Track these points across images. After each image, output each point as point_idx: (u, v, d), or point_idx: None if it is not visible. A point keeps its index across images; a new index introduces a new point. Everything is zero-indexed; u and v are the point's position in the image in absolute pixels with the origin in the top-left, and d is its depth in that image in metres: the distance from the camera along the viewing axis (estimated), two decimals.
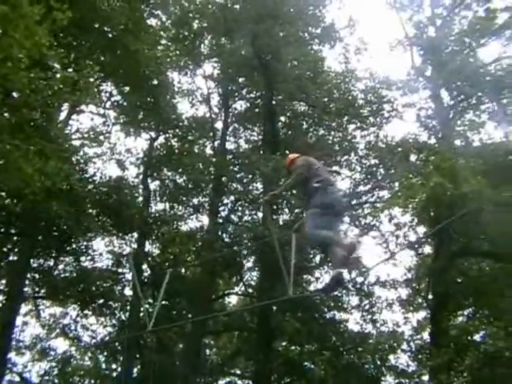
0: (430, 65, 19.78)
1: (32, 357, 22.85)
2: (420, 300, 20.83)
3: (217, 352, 26.67)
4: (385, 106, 21.33)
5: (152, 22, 19.82)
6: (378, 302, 20.83)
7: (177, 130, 22.39)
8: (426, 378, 18.45)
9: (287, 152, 18.06)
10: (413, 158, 20.24)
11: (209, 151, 23.15)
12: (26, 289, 19.56)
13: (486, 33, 18.47)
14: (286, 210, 20.81)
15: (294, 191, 16.20)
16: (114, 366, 22.99)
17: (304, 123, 23.32)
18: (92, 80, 13.57)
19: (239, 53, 21.60)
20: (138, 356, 21.78)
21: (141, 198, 21.86)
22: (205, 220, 22.29)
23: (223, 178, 21.23)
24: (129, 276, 21.29)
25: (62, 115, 19.01)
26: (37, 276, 20.04)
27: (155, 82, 18.45)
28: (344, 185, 22.01)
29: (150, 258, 22.41)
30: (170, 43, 21.36)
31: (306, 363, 20.81)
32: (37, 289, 20.50)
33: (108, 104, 20.72)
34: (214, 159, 21.48)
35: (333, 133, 22.68)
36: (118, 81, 18.44)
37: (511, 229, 13.91)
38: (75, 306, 21.16)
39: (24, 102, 11.14)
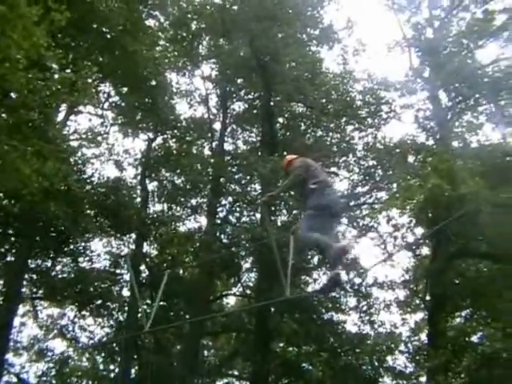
0: (427, 66, 19.79)
1: (29, 358, 22.83)
2: (418, 301, 20.84)
3: (215, 353, 26.66)
4: (383, 107, 21.35)
5: (150, 22, 19.88)
6: (376, 304, 20.85)
7: (175, 131, 22.40)
8: (423, 379, 18.49)
9: (285, 153, 18.08)
10: (411, 159, 20.27)
11: (207, 152, 23.18)
12: (23, 289, 19.54)
13: (484, 34, 18.50)
14: (284, 211, 20.84)
15: (292, 192, 16.22)
16: (111, 367, 23.03)
17: (302, 124, 23.32)
18: (90, 81, 13.58)
19: (237, 54, 21.60)
20: (135, 357, 21.75)
21: (139, 199, 21.88)
22: (203, 221, 22.31)
23: (221, 179, 21.22)
24: (127, 277, 21.31)
25: (60, 116, 19.01)
26: (34, 277, 20.02)
27: (153, 82, 18.44)
28: (342, 186, 22.06)
29: (147, 259, 22.39)
30: (168, 44, 21.35)
31: (303, 364, 20.86)
32: (34, 289, 20.48)
33: (106, 105, 20.76)
34: (212, 160, 21.47)
35: (331, 134, 22.69)
36: (116, 81, 18.45)
37: (509, 230, 13.93)
38: (73, 307, 21.15)
39: (22, 102, 11.13)
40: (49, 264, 20.13)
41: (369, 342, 19.80)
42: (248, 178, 21.40)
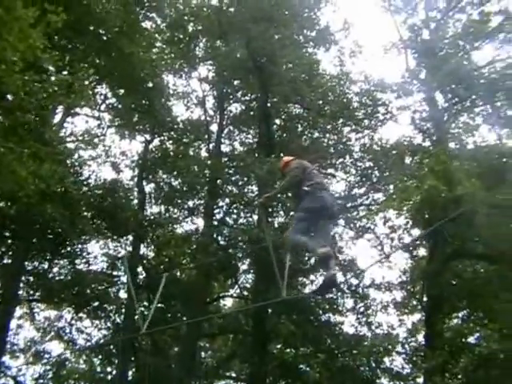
0: (424, 68, 19.81)
1: (26, 360, 22.75)
2: (415, 302, 20.88)
3: (212, 355, 26.64)
4: (379, 108, 21.37)
5: (147, 24, 19.87)
6: (373, 305, 20.88)
7: (172, 133, 22.39)
8: (420, 380, 18.54)
9: (282, 155, 18.09)
10: (407, 160, 20.29)
11: (204, 154, 23.19)
12: (20, 292, 19.53)
13: (480, 36, 18.55)
14: (282, 213, 20.84)
15: (289, 194, 16.23)
16: (108, 369, 22.97)
17: (299, 126, 23.32)
18: (87, 83, 13.55)
19: (234, 55, 21.60)
20: (133, 359, 21.73)
21: (136, 201, 21.88)
22: (200, 223, 22.31)
23: (218, 181, 21.22)
24: (124, 279, 21.32)
25: (57, 118, 19.03)
26: (31, 279, 20.01)
27: (150, 84, 18.44)
28: (339, 187, 22.08)
29: (144, 261, 22.39)
30: (164, 46, 21.37)
31: (301, 366, 20.88)
32: (31, 292, 20.46)
33: (103, 107, 20.70)
34: (209, 162, 21.48)
35: (328, 135, 22.71)
36: (112, 83, 18.42)
37: (505, 231, 14.00)
38: (70, 309, 21.14)
39: (18, 104, 11.11)
40: (46, 266, 20.12)
41: (366, 343, 19.81)
42: (245, 179, 21.40)
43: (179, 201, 22.18)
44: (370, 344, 19.51)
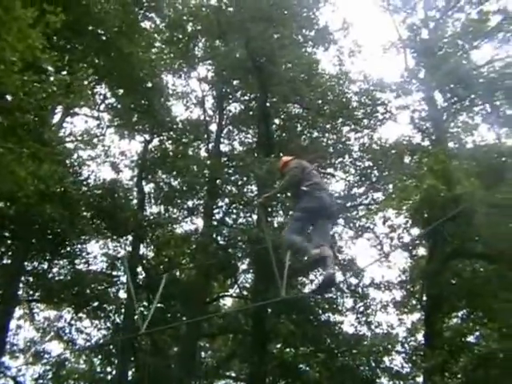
0: (423, 67, 19.83)
1: (26, 360, 22.74)
2: (414, 302, 20.89)
3: (212, 355, 26.63)
4: (379, 108, 21.36)
5: (146, 24, 19.89)
6: (373, 304, 20.87)
7: (171, 133, 22.39)
8: (420, 379, 18.56)
9: (281, 154, 18.09)
10: (407, 160, 20.30)
11: (203, 154, 23.19)
12: (20, 292, 19.53)
13: (479, 35, 18.58)
14: (281, 212, 20.84)
15: (289, 193, 16.23)
16: (108, 369, 22.93)
17: (298, 125, 23.34)
18: (86, 83, 13.54)
19: (233, 55, 21.60)
20: (132, 359, 21.73)
21: (135, 201, 21.89)
22: (199, 223, 22.32)
23: (218, 181, 21.22)
24: (123, 279, 21.32)
25: (56, 118, 19.04)
26: (31, 279, 20.01)
27: (149, 84, 18.45)
28: (338, 187, 22.08)
29: (144, 261, 22.39)
30: (164, 46, 21.40)
31: (300, 365, 20.88)
32: (31, 292, 20.45)
33: (102, 107, 20.73)
34: (208, 162, 21.48)
35: (327, 135, 22.70)
36: (112, 83, 18.42)
37: (504, 230, 13.99)
38: (70, 309, 21.13)
39: (17, 105, 11.11)
40: (45, 266, 20.11)
41: (366, 342, 19.82)
42: (244, 179, 21.39)
43: (179, 201, 22.18)
44: (370, 343, 19.52)
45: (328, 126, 22.35)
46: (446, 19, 20.42)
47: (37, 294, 20.46)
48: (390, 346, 19.50)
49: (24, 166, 10.86)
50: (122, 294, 21.65)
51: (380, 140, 21.28)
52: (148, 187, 22.95)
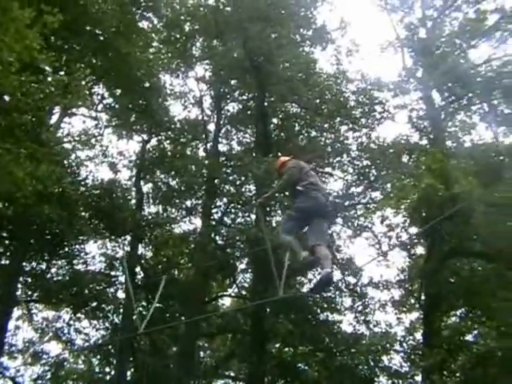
0: (421, 66, 19.86)
1: (25, 361, 22.70)
2: (413, 301, 20.89)
3: (211, 354, 26.63)
4: (376, 107, 21.39)
5: (143, 24, 19.89)
6: (371, 303, 20.88)
7: (169, 133, 22.39)
8: (418, 378, 18.53)
9: (279, 154, 18.11)
10: (405, 159, 20.33)
11: (201, 153, 23.20)
12: (18, 292, 19.50)
13: (477, 34, 18.62)
14: (279, 212, 20.84)
15: (287, 193, 16.24)
16: (107, 370, 22.97)
17: (296, 125, 23.35)
18: (83, 83, 13.51)
19: (231, 55, 21.60)
20: (131, 359, 21.74)
21: (133, 201, 21.87)
22: (198, 222, 22.31)
23: (216, 181, 21.20)
24: (122, 279, 21.30)
25: (54, 118, 19.02)
26: (29, 279, 19.97)
27: (147, 84, 18.44)
28: (336, 186, 22.13)
29: (143, 261, 22.37)
30: (161, 46, 21.39)
31: (299, 365, 20.87)
32: (29, 292, 20.42)
33: (100, 107, 20.74)
34: (206, 161, 21.46)
35: (325, 134, 22.72)
36: (109, 83, 18.41)
37: (502, 229, 14.00)
38: (68, 310, 21.08)
39: (15, 105, 11.09)
40: (43, 267, 20.09)
41: (364, 341, 19.81)
42: (242, 179, 21.39)
43: (177, 201, 22.18)
44: (369, 342, 19.51)
45: (326, 126, 22.37)
46: (443, 18, 20.45)
47: (35, 294, 20.43)
48: (388, 345, 19.50)
49: (22, 166, 10.86)
50: (121, 294, 21.66)
51: (378, 139, 21.33)
52: (146, 187, 22.99)
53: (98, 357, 22.67)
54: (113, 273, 21.48)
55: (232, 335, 23.81)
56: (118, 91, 19.06)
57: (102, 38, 16.12)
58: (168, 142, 22.75)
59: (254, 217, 20.75)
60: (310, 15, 22.51)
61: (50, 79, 12.29)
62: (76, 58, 14.81)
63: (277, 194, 14.93)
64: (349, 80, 22.05)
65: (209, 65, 23.49)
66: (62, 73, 13.61)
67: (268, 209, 19.39)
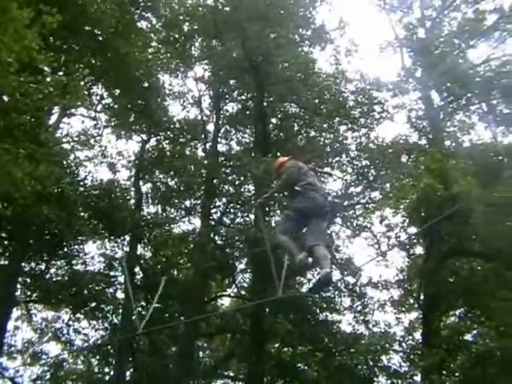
0: (420, 66, 19.87)
1: (24, 361, 22.69)
2: (412, 301, 20.91)
3: (210, 354, 26.62)
4: (375, 107, 21.39)
5: (142, 24, 19.83)
6: (370, 303, 20.92)
7: (168, 133, 22.37)
8: (418, 378, 18.55)
9: (278, 154, 18.11)
10: (404, 159, 20.34)
11: (200, 153, 23.16)
12: (17, 293, 19.48)
13: (475, 34, 18.66)
14: (278, 212, 20.84)
15: (286, 193, 16.24)
16: (106, 370, 22.93)
17: (295, 125, 23.34)
18: (82, 83, 13.50)
19: (230, 55, 21.58)
20: (130, 359, 21.72)
21: (132, 201, 21.86)
22: (197, 222, 22.29)
23: (215, 181, 21.20)
24: (121, 279, 21.27)
25: (53, 118, 18.99)
26: (28, 280, 19.97)
27: (146, 84, 18.41)
28: (336, 186, 22.11)
29: (142, 261, 22.36)
30: (160, 46, 21.37)
31: (298, 365, 20.88)
32: (28, 293, 20.41)
33: (99, 107, 20.71)
34: (205, 161, 21.45)
35: (324, 134, 22.71)
36: (108, 84, 18.39)
37: (501, 229, 14.03)
38: (67, 310, 21.10)
39: (13, 105, 11.08)
40: (43, 267, 20.08)
41: (363, 341, 19.84)
42: (242, 178, 21.39)
43: (176, 201, 22.16)
44: (368, 342, 19.53)
45: (325, 126, 22.37)
46: (442, 18, 20.48)
47: (34, 294, 20.44)
48: (387, 345, 19.52)
49: (21, 166, 10.84)
50: (120, 295, 21.64)
51: (377, 139, 21.33)
52: (145, 187, 22.96)
53: (98, 357, 22.64)
54: (112, 273, 21.49)
55: (231, 335, 23.82)
56: (117, 91, 19.04)
57: (100, 38, 16.10)
58: (167, 142, 22.74)
59: (253, 217, 20.75)
60: (309, 15, 22.49)
61: (48, 79, 12.26)
62: (75, 58, 14.80)
63: (276, 194, 14.91)
64: (348, 80, 22.05)
65: (208, 65, 23.47)
66: (61, 73, 13.58)
67: (267, 209, 19.39)
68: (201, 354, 25.75)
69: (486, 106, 18.69)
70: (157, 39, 21.12)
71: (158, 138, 22.90)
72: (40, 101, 11.54)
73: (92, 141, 18.61)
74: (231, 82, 23.60)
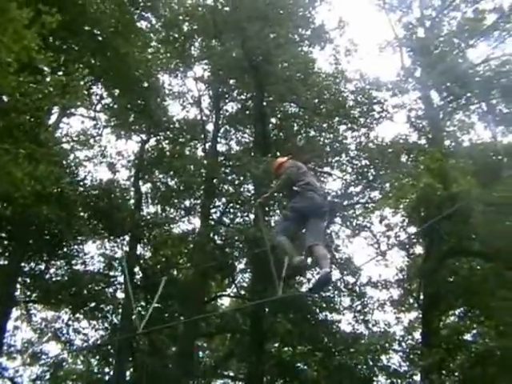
0: (419, 66, 19.88)
1: (23, 361, 22.66)
2: (411, 300, 20.92)
3: (210, 354, 26.62)
4: (375, 107, 21.38)
5: (142, 24, 19.82)
6: (370, 303, 20.91)
7: (168, 133, 22.36)
8: (417, 377, 18.56)
9: (278, 154, 18.12)
10: (403, 158, 20.34)
11: (200, 153, 23.16)
12: (17, 293, 19.46)
13: (475, 34, 18.67)
14: (278, 211, 20.83)
15: (285, 193, 16.23)
16: (106, 370, 22.92)
17: (295, 125, 23.34)
18: (82, 83, 13.49)
19: (229, 55, 21.58)
20: (130, 359, 21.71)
21: (132, 201, 21.85)
22: (196, 222, 22.28)
23: (214, 180, 21.20)
24: (121, 279, 21.29)
25: (53, 118, 18.99)
26: (28, 280, 19.95)
27: (146, 84, 18.40)
28: (335, 186, 22.11)
29: (141, 261, 22.36)
30: (160, 45, 21.36)
31: (298, 364, 20.90)
32: (28, 293, 20.38)
33: (98, 107, 20.70)
34: (205, 161, 21.45)
35: (324, 134, 22.70)
36: (108, 83, 18.38)
37: (501, 228, 14.05)
38: (67, 310, 21.06)
39: (13, 106, 11.08)
40: (42, 267, 20.08)
41: (363, 341, 19.83)
42: (241, 178, 21.38)
43: (175, 200, 22.15)
44: (367, 342, 19.52)
45: (324, 125, 22.37)
46: (441, 18, 20.48)
47: (34, 294, 20.41)
48: (387, 345, 19.51)
49: (20, 166, 10.84)
50: (120, 294, 21.63)
51: (376, 139, 21.33)
52: (145, 187, 22.95)
53: (97, 357, 22.63)
54: (112, 273, 21.49)
55: (231, 335, 23.83)
56: (117, 91, 19.03)
57: (100, 38, 16.08)
58: (167, 141, 22.73)
59: (252, 216, 20.74)
60: (309, 15, 22.48)
61: (48, 79, 12.26)
62: (74, 58, 14.78)
63: (276, 194, 14.91)
64: (347, 80, 22.05)
65: (207, 65, 23.47)
66: (61, 73, 13.57)
67: (267, 209, 19.38)
68: (201, 353, 25.76)
69: (485, 106, 18.69)
70: (156, 39, 21.11)
71: (158, 137, 22.90)
72: (39, 101, 11.53)
73: (92, 141, 18.65)
74: (231, 81, 23.60)
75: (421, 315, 18.81)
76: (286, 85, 20.96)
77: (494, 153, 15.91)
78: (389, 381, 19.78)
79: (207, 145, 22.86)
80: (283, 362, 20.43)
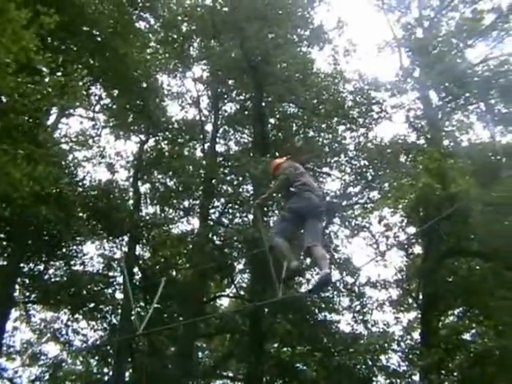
0: (418, 66, 19.88)
1: (23, 362, 22.68)
2: (410, 300, 20.93)
3: (209, 354, 26.63)
4: (374, 107, 21.38)
5: (141, 24, 19.86)
6: (369, 303, 20.89)
7: (167, 133, 22.37)
8: (416, 377, 18.56)
9: (277, 154, 18.12)
10: (402, 158, 20.34)
11: (199, 154, 23.17)
12: (16, 294, 19.47)
13: (473, 34, 18.67)
14: (277, 212, 20.83)
15: (283, 194, 16.22)
16: (105, 370, 22.91)
17: (294, 125, 23.34)
18: (81, 83, 13.48)
19: (228, 55, 21.58)
20: (129, 360, 21.70)
21: (131, 201, 21.86)
22: (195, 223, 22.29)
23: (213, 181, 21.20)
24: (120, 279, 21.29)
25: (52, 119, 18.99)
26: (27, 281, 19.94)
27: (144, 84, 18.40)
28: (334, 186, 22.12)
29: (140, 262, 22.35)
30: (158, 46, 21.34)
31: (297, 365, 20.90)
32: (27, 293, 20.38)
33: (97, 107, 20.67)
34: (204, 162, 21.46)
35: (322, 134, 22.72)
36: (107, 84, 18.38)
37: (500, 228, 14.05)
38: (66, 310, 21.06)
39: (12, 106, 11.08)
40: (41, 268, 20.07)
41: (362, 341, 19.81)
42: (240, 179, 21.39)
43: (174, 201, 22.15)
44: (367, 342, 19.50)
45: (323, 126, 22.38)
46: (440, 18, 20.49)
47: (33, 295, 20.41)
48: (386, 345, 19.48)
49: (19, 167, 10.84)
50: (119, 295, 21.63)
51: (375, 139, 21.34)
52: (144, 187, 22.94)
53: (96, 358, 22.61)
54: (111, 273, 21.49)
55: (230, 335, 23.82)
56: (116, 92, 19.04)
57: (99, 39, 16.08)
58: (165, 142, 22.74)
59: (251, 217, 20.72)
60: (308, 15, 22.48)
61: (47, 80, 12.26)
62: (73, 59, 14.77)
63: (274, 195, 14.92)
64: (346, 80, 22.05)
65: (206, 65, 23.48)
66: (59, 73, 13.56)
67: (265, 209, 19.38)
68: (200, 354, 25.76)
69: (484, 106, 18.69)
70: (155, 39, 21.11)
71: (157, 138, 22.92)
72: (38, 101, 11.53)
73: (90, 141, 18.62)
74: (230, 82, 23.61)
75: (420, 315, 18.82)
76: (284, 85, 20.97)
77: (493, 153, 15.92)
78: (388, 381, 19.79)
79: (206, 145, 22.88)
80: (282, 362, 20.43)
